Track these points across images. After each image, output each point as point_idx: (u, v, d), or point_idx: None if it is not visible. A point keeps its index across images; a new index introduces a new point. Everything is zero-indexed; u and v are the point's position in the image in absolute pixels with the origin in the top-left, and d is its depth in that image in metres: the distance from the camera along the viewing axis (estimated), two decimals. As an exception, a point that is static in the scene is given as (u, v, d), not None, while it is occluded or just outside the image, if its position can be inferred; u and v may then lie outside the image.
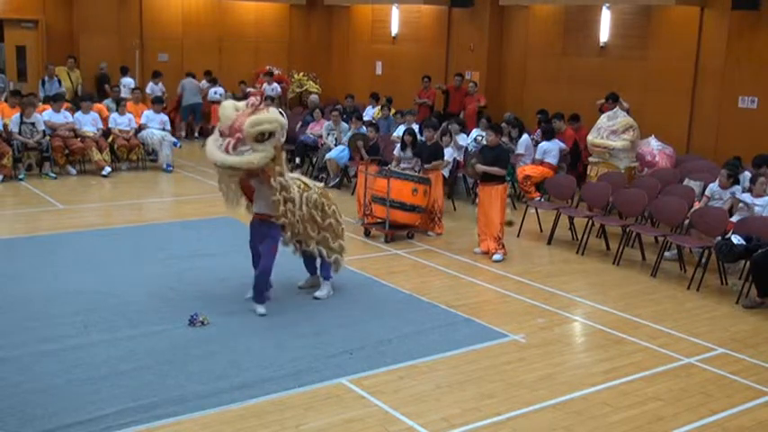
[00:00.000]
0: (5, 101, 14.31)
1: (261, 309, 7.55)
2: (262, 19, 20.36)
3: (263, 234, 7.58)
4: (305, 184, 7.87)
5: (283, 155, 7.58)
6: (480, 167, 9.79)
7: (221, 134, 7.24)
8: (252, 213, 7.78)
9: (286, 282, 8.48)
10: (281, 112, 7.45)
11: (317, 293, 8.08)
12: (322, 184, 8.33)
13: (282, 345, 6.77)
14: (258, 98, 7.46)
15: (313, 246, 7.88)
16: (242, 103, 7.40)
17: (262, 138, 7.10)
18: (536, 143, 13.01)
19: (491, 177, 9.72)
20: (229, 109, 7.32)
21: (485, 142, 10.65)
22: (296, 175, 8.16)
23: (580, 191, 11.26)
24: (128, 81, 17.61)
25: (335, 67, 20.95)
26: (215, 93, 18.02)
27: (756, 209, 9.06)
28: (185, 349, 6.60)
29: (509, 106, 16.50)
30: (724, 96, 13.32)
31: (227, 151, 7.08)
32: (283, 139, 7.42)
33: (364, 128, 13.30)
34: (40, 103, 14.57)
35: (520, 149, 13.01)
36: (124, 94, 16.65)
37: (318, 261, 8.17)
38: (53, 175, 13.54)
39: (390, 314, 7.67)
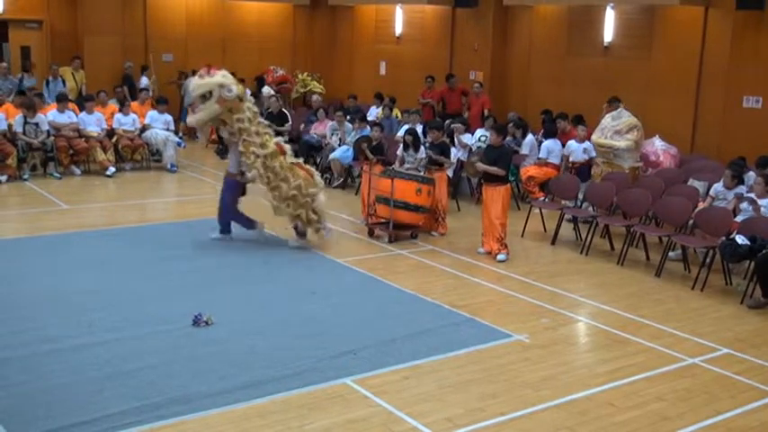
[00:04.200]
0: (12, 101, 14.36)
1: (215, 234, 9.88)
2: (265, 19, 20.37)
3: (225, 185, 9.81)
4: (281, 147, 9.56)
5: (245, 105, 9.45)
6: (481, 166, 9.80)
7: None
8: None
9: (288, 282, 8.50)
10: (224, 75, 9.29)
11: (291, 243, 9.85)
12: (296, 159, 9.90)
13: (286, 345, 6.78)
14: (205, 68, 9.40)
15: (282, 210, 9.50)
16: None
17: (204, 99, 9.21)
18: (540, 143, 13.00)
19: (493, 178, 9.71)
20: (193, 82, 9.53)
21: (489, 142, 10.65)
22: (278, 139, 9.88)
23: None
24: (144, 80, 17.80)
25: (339, 68, 20.95)
26: None
27: (762, 210, 9.03)
28: (189, 349, 6.61)
29: (513, 106, 16.48)
30: (728, 96, 13.29)
31: (192, 112, 9.58)
32: (231, 94, 9.22)
33: (368, 128, 13.30)
34: (45, 104, 14.59)
35: (524, 150, 13.01)
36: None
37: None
38: (57, 175, 13.56)
39: (394, 314, 7.67)
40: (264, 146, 9.38)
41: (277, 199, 9.45)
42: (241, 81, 17.93)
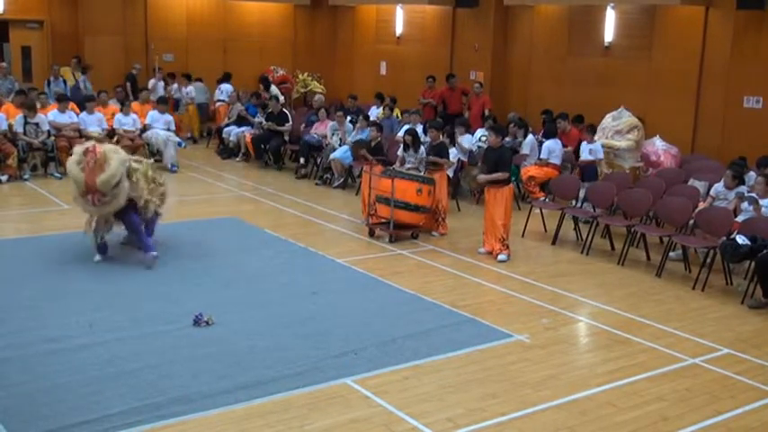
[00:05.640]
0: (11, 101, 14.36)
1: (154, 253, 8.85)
2: (266, 19, 20.36)
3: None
4: (136, 162, 9.13)
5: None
6: (482, 178, 9.77)
7: (83, 195, 8.62)
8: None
9: (288, 282, 8.50)
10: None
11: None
12: (151, 161, 9.72)
13: (286, 345, 6.78)
14: (93, 157, 8.56)
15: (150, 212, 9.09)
16: (80, 150, 8.72)
17: (117, 184, 8.54)
18: (540, 143, 12.99)
19: (495, 180, 9.69)
20: (77, 172, 8.57)
21: (488, 143, 10.63)
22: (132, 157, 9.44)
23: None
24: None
25: (340, 68, 20.95)
26: (221, 93, 18.08)
27: (763, 210, 9.03)
28: (190, 349, 6.61)
29: (513, 106, 16.49)
30: (729, 96, 13.29)
31: (94, 205, 8.57)
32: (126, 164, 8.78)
33: (368, 129, 13.28)
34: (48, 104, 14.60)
35: (525, 150, 13.00)
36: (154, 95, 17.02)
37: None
38: (58, 175, 13.56)
39: (394, 314, 7.67)
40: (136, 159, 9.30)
41: (157, 199, 9.24)
42: (251, 92, 18.09)
